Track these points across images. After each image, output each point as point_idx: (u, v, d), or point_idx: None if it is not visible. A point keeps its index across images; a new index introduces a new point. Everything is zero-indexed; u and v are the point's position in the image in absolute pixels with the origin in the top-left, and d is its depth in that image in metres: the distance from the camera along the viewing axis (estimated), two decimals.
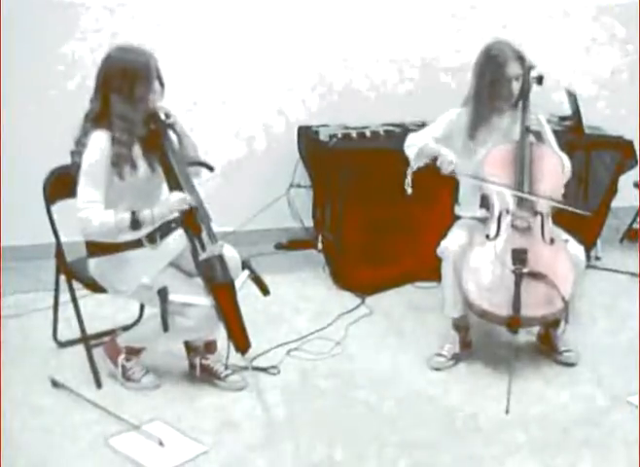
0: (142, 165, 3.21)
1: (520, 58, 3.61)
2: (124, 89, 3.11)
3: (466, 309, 3.59)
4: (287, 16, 4.81)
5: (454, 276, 3.54)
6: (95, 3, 4.52)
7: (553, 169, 3.64)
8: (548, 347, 3.74)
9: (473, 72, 3.69)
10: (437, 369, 3.63)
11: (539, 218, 3.56)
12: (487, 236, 3.56)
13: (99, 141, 3.12)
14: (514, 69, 3.59)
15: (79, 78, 4.37)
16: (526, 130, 3.62)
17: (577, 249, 3.60)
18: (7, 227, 4.52)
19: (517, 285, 3.37)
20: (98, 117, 3.15)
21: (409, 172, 3.60)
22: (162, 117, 3.23)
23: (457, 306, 3.61)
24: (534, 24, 5.13)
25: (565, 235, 3.63)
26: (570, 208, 3.54)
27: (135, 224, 3.10)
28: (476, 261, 3.50)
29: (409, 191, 3.59)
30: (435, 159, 3.52)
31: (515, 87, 3.61)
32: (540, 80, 3.64)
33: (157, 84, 3.20)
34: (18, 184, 4.41)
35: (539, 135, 3.68)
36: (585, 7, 5.27)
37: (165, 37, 4.60)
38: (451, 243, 3.58)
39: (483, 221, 3.66)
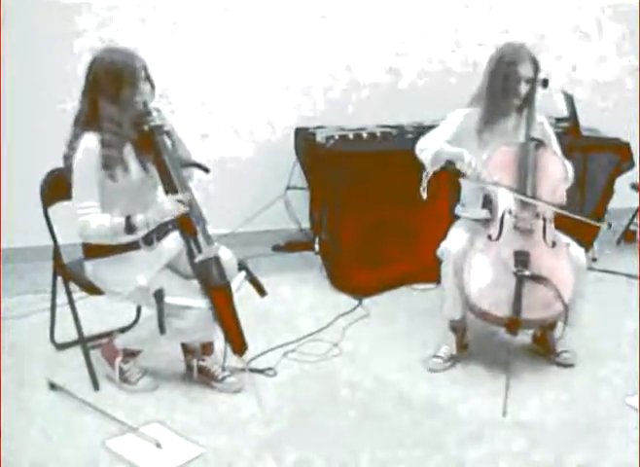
0: (135, 167, 3.20)
1: (534, 62, 3.58)
2: (111, 91, 3.10)
3: (465, 311, 3.59)
4: (284, 18, 4.82)
5: (455, 278, 3.54)
6: (97, 4, 4.53)
7: (557, 174, 3.62)
8: (544, 349, 3.75)
9: (485, 70, 3.64)
10: (434, 370, 3.63)
11: (541, 221, 3.55)
12: (489, 237, 3.55)
13: (89, 144, 3.11)
14: (526, 70, 3.55)
15: (78, 81, 4.38)
16: (530, 140, 3.59)
17: (578, 252, 3.60)
18: (4, 229, 4.53)
19: (519, 287, 3.36)
20: (87, 119, 3.14)
21: (425, 177, 3.56)
22: (154, 118, 3.18)
23: (457, 308, 3.60)
24: (531, 27, 5.14)
25: (566, 239, 3.63)
26: (574, 215, 3.53)
27: (130, 228, 3.11)
28: (477, 262, 3.49)
29: (425, 196, 3.57)
30: (450, 162, 3.50)
31: (524, 89, 3.58)
32: (545, 83, 3.60)
33: (147, 85, 3.18)
34: (16, 186, 4.41)
35: (542, 144, 3.66)
36: (582, 8, 5.28)
37: (165, 40, 4.61)
38: (452, 244, 3.57)
39: (483, 222, 3.65)
